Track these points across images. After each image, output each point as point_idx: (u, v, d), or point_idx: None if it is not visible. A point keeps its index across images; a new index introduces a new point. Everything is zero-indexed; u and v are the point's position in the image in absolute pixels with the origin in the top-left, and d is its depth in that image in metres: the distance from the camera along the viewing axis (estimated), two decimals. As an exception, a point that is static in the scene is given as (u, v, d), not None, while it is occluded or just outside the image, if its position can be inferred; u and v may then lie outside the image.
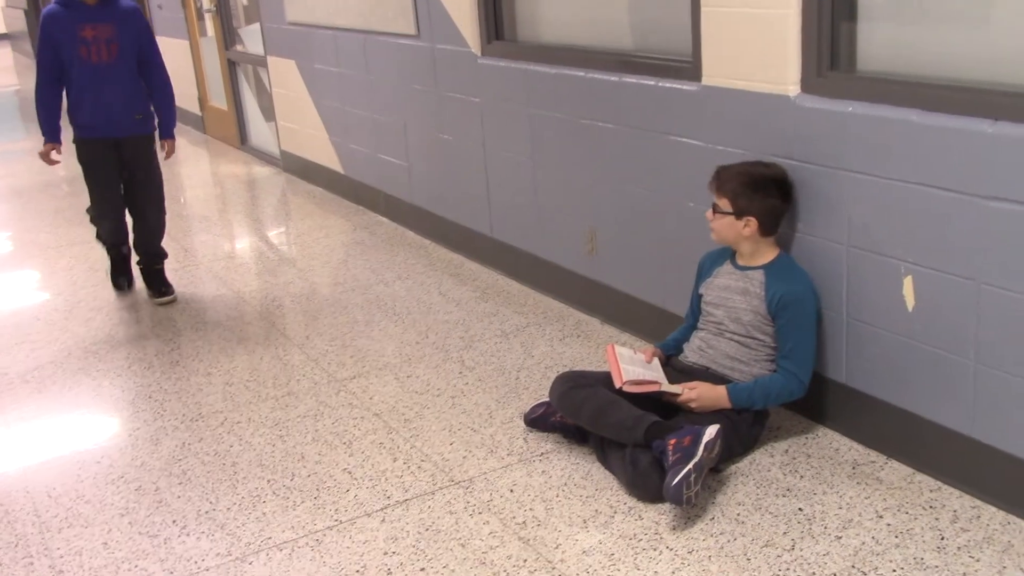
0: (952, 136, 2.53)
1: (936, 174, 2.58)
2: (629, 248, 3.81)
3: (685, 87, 3.35)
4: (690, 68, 3.33)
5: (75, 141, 4.61)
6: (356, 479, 3.03)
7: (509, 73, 4.29)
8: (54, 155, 4.67)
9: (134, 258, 4.93)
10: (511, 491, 2.90)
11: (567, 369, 3.53)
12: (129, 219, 4.82)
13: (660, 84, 3.46)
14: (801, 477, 2.85)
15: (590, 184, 3.94)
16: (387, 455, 3.16)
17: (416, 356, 3.90)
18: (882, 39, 2.83)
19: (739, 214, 2.95)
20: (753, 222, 2.95)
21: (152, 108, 4.71)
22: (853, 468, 2.87)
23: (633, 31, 3.77)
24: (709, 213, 3.04)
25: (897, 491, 2.74)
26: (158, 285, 4.82)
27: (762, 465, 2.93)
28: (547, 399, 3.16)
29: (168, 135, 4.78)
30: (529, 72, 4.15)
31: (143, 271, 4.87)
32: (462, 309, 4.36)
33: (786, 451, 2.99)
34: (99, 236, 4.98)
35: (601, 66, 3.77)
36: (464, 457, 3.11)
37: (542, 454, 3.08)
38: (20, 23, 17.21)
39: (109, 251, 4.96)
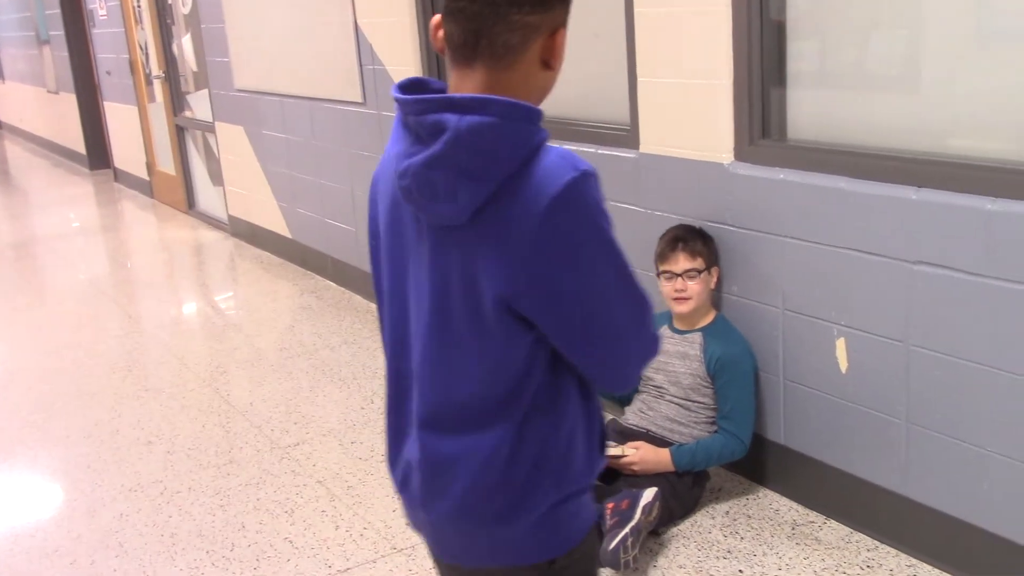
0: (879, 203, 2.61)
1: (864, 239, 2.66)
2: (572, 312, 3.84)
3: (623, 154, 3.42)
4: (628, 136, 3.41)
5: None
6: (297, 548, 3.00)
7: (454, 140, 4.34)
8: None
9: None
10: (454, 558, 2.88)
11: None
12: None
13: (599, 151, 3.52)
14: (741, 539, 2.87)
15: (534, 249, 3.97)
16: (329, 523, 3.13)
17: (361, 421, 3.88)
18: (812, 109, 2.92)
19: (709, 267, 3.03)
20: (716, 271, 3.05)
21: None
22: (792, 529, 2.90)
23: (573, 100, 3.85)
24: (680, 282, 3.01)
25: (835, 551, 2.77)
26: None
27: (703, 527, 2.94)
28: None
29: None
30: (473, 139, 4.20)
31: None
32: (408, 374, 4.34)
33: (727, 512, 3.01)
34: None
35: (543, 133, 3.83)
36: (407, 524, 3.08)
37: (485, 520, 3.07)
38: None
39: None
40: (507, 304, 1.34)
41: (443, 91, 1.39)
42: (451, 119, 1.29)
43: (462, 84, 1.37)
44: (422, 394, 1.46)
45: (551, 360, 1.40)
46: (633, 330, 1.41)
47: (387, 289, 1.50)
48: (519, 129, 1.31)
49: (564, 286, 1.33)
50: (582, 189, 1.31)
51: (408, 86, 1.40)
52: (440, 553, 1.56)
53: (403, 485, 1.54)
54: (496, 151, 1.30)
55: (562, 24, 1.38)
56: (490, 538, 1.46)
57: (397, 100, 1.38)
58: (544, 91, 1.42)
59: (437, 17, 1.37)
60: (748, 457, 3.04)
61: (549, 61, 1.38)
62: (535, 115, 1.33)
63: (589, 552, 1.53)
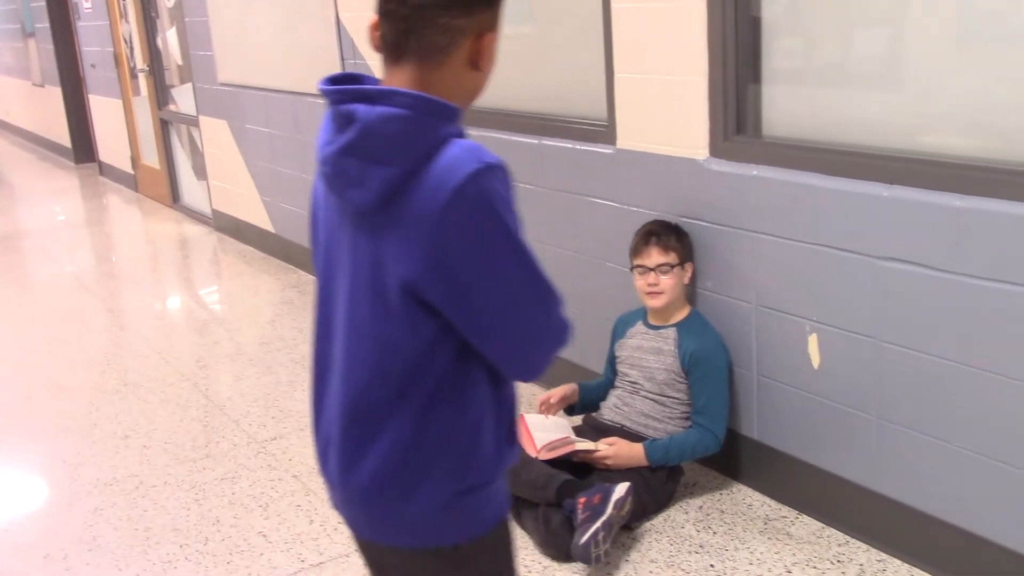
0: (850, 199, 2.62)
1: (836, 235, 2.67)
2: (551, 307, 3.85)
3: (601, 150, 3.42)
4: (605, 132, 3.41)
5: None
6: (271, 542, 3.00)
7: (434, 135, 4.33)
8: None
9: None
10: (427, 552, 2.88)
11: (488, 428, 3.53)
12: None
13: (577, 147, 3.53)
14: (714, 533, 2.88)
15: (513, 244, 3.98)
16: (303, 517, 3.13)
17: (339, 416, 3.87)
18: (786, 106, 2.93)
19: (683, 262, 3.03)
20: (691, 266, 3.05)
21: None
22: (765, 523, 2.91)
23: (551, 95, 3.85)
24: (653, 277, 3.02)
25: (806, 546, 2.78)
26: None
27: (676, 522, 2.95)
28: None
29: None
30: (453, 134, 4.20)
31: None
32: (388, 368, 4.34)
33: (700, 507, 3.02)
34: None
35: (522, 129, 3.84)
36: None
37: (460, 514, 3.07)
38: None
39: None
40: (413, 292, 1.37)
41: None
42: (361, 109, 1.36)
43: (391, 80, 1.42)
44: (340, 377, 1.50)
45: (459, 349, 1.42)
46: (539, 321, 1.44)
47: (320, 274, 1.55)
48: (426, 121, 1.35)
49: (466, 276, 1.36)
50: (484, 181, 1.33)
51: (341, 79, 1.44)
52: (356, 531, 1.59)
53: (323, 465, 1.57)
54: (402, 141, 1.34)
55: (490, 28, 1.43)
56: (395, 519, 1.49)
57: (321, 91, 1.42)
58: (473, 91, 1.47)
59: (374, 18, 1.42)
60: (722, 452, 3.05)
61: (478, 63, 1.43)
62: (446, 111, 1.37)
63: (499, 543, 1.55)
